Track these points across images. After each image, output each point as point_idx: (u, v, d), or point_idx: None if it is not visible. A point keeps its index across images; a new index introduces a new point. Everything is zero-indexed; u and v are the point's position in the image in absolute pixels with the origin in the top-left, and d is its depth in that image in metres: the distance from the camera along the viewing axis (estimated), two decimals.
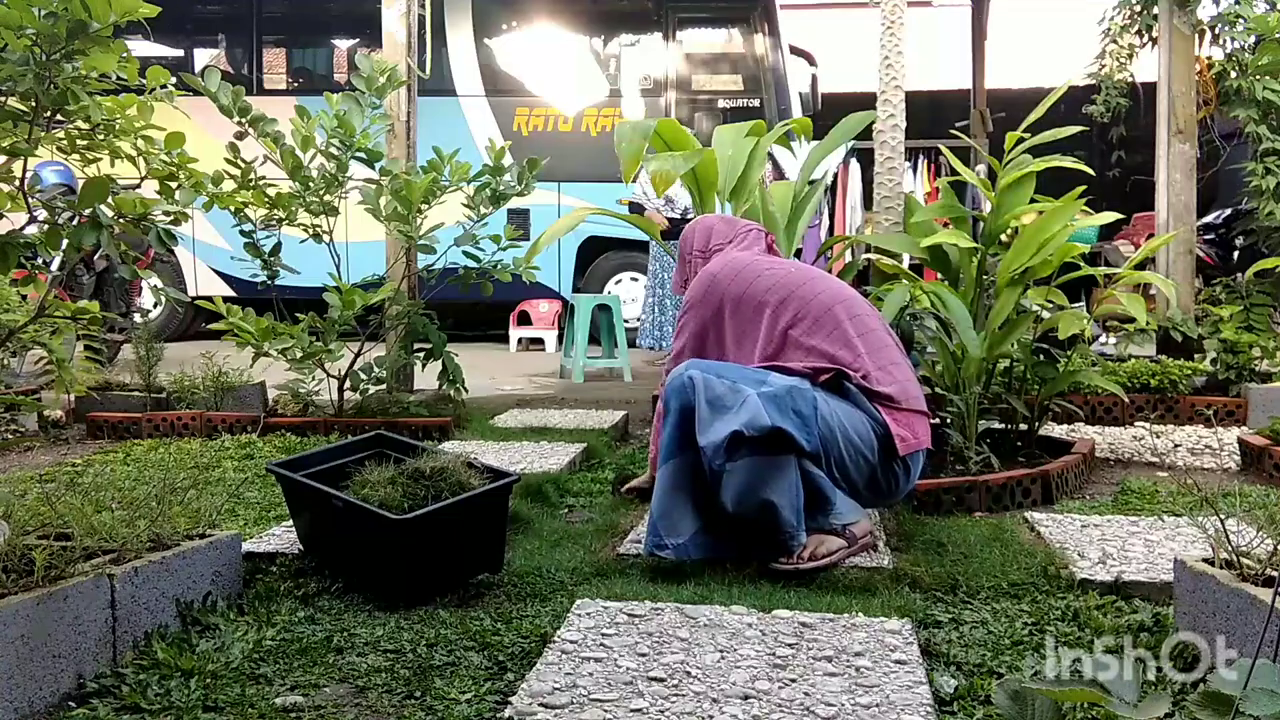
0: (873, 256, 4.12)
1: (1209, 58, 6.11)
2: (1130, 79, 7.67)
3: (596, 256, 8.89)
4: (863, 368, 2.35)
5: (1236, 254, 7.65)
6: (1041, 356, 3.41)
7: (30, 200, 2.24)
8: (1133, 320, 3.47)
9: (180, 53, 9.73)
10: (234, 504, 2.83)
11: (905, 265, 4.09)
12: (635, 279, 8.77)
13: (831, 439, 2.25)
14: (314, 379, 4.21)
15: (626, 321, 7.19)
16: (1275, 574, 1.57)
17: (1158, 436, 4.01)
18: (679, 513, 2.27)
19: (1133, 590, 2.05)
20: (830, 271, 4.01)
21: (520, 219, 8.19)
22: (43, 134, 2.18)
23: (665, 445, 2.30)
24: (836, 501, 2.28)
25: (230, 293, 8.37)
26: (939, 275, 3.59)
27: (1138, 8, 6.86)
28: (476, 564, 2.14)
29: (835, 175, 8.51)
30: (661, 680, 1.59)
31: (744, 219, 2.83)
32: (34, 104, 2.09)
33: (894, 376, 2.37)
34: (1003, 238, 3.44)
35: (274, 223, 4.04)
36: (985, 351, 3.18)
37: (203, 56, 9.89)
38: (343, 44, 9.97)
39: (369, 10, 5.82)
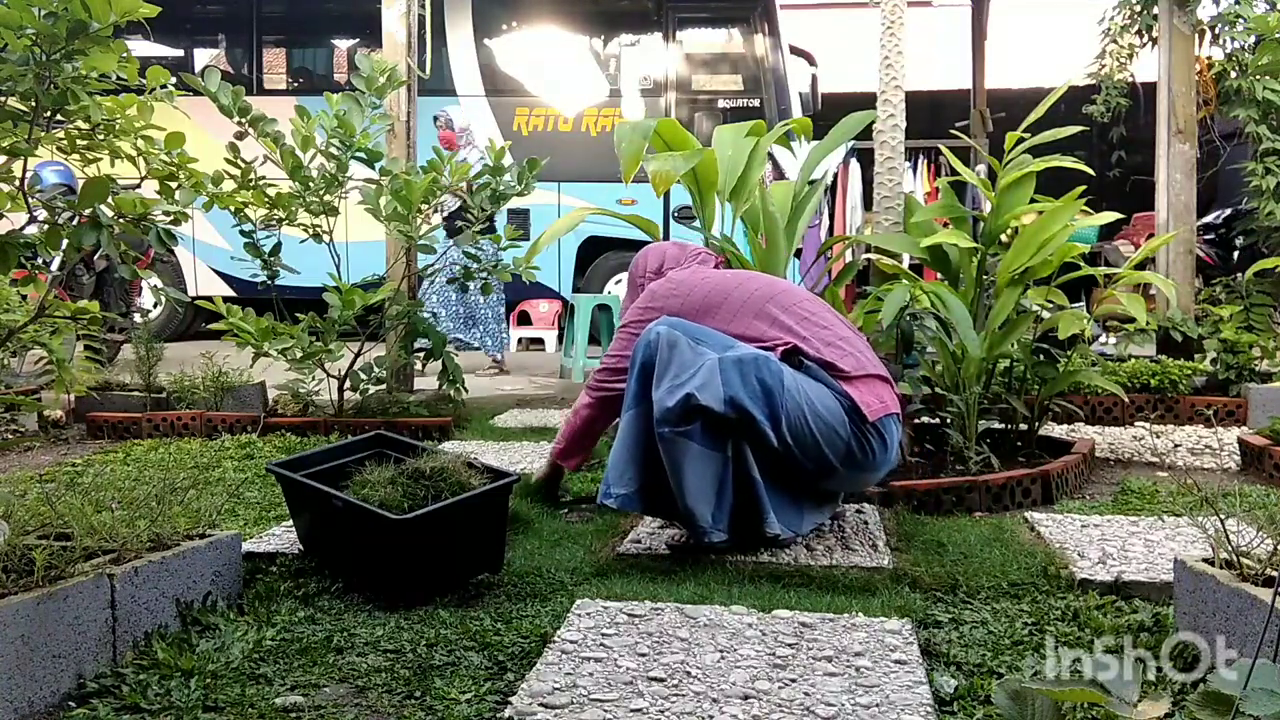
0: (873, 256, 4.12)
1: (1209, 58, 6.12)
2: (1130, 79, 7.67)
3: (596, 256, 8.90)
4: (813, 346, 2.39)
5: (1236, 254, 7.66)
6: (1041, 356, 3.41)
7: (30, 200, 2.24)
8: (1133, 320, 3.47)
9: (180, 53, 9.73)
10: (234, 504, 2.83)
11: (905, 265, 4.09)
12: None
13: (800, 416, 2.26)
14: (314, 379, 4.22)
15: None
16: (1275, 574, 1.57)
17: (1158, 436, 4.01)
18: (630, 464, 2.33)
19: (1133, 590, 2.05)
20: (830, 272, 4.01)
21: (520, 219, 8.20)
22: (43, 134, 2.18)
23: (627, 397, 2.36)
24: (770, 514, 2.30)
25: (230, 293, 8.37)
26: (939, 275, 3.59)
27: (1138, 8, 6.87)
28: (476, 564, 2.14)
29: (835, 175, 8.51)
30: (661, 680, 1.59)
31: (695, 245, 2.92)
32: (34, 104, 2.09)
33: (845, 350, 2.42)
34: (1003, 238, 3.45)
35: (274, 223, 4.04)
36: (985, 351, 3.18)
37: (203, 56, 9.90)
38: (343, 44, 9.97)
39: (369, 10, 5.82)
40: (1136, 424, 4.33)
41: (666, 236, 7.18)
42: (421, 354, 4.49)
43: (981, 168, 8.46)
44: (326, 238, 4.11)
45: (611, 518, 2.73)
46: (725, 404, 2.18)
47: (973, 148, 8.30)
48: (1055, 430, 4.02)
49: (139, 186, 2.43)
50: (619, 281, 8.86)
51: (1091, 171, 3.29)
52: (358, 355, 4.17)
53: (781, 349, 2.37)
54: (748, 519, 2.30)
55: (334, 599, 2.05)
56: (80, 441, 4.11)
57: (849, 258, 4.26)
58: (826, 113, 6.72)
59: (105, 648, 1.66)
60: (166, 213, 2.42)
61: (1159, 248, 4.84)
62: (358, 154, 4.00)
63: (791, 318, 2.45)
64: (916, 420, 3.46)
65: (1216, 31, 6.06)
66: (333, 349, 3.92)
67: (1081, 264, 3.51)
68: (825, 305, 2.60)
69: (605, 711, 1.48)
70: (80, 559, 1.70)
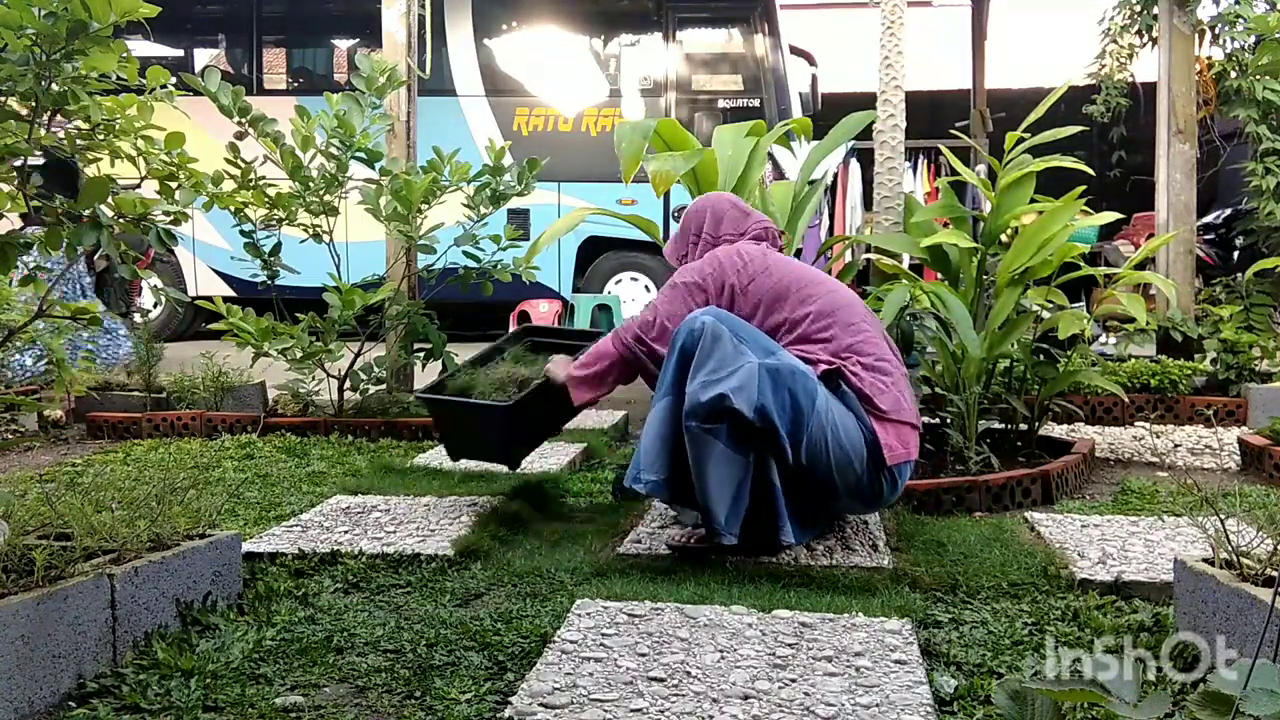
0: (873, 256, 4.12)
1: (1209, 58, 6.12)
2: (1130, 79, 7.67)
3: (596, 256, 8.89)
4: (856, 375, 2.33)
5: (1236, 254, 7.66)
6: (1041, 356, 3.41)
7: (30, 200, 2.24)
8: (1133, 320, 3.47)
9: (180, 53, 9.72)
10: (234, 504, 2.83)
11: (905, 265, 4.08)
12: (635, 279, 8.77)
13: (822, 439, 2.23)
14: (314, 379, 4.21)
15: None
16: (1275, 574, 1.57)
17: (1158, 436, 4.01)
18: (662, 453, 2.30)
19: (1133, 590, 2.05)
20: (830, 272, 4.01)
21: (520, 219, 8.18)
22: (43, 134, 2.18)
23: (664, 382, 2.31)
24: (786, 523, 2.28)
25: (230, 293, 8.36)
26: (939, 275, 3.59)
27: (1138, 8, 6.87)
28: (545, 433, 2.91)
29: (835, 175, 8.51)
30: (661, 680, 1.59)
31: (757, 213, 2.74)
32: (34, 104, 2.09)
33: (886, 388, 2.34)
34: (1003, 238, 3.44)
35: (274, 223, 4.04)
36: (985, 351, 3.18)
37: (203, 56, 9.89)
38: (343, 44, 9.97)
39: (369, 10, 5.81)
40: (1136, 424, 4.33)
41: (666, 236, 7.18)
42: (421, 354, 4.49)
43: (981, 168, 8.46)
44: (326, 238, 4.11)
45: (611, 517, 2.74)
46: (755, 412, 2.16)
47: (973, 148, 8.30)
48: (1055, 430, 4.02)
49: (139, 186, 2.43)
50: (619, 281, 8.85)
51: (1091, 171, 3.29)
52: (358, 355, 4.17)
53: (824, 368, 2.31)
54: (758, 525, 2.29)
55: (334, 598, 2.06)
56: (80, 441, 4.11)
57: (849, 258, 4.25)
58: (826, 113, 6.72)
59: (105, 648, 1.66)
60: (166, 213, 2.42)
61: (1159, 248, 4.84)
62: (358, 154, 4.00)
63: (849, 336, 2.37)
64: None
65: (1216, 31, 6.06)
66: (333, 349, 3.92)
67: (1081, 264, 3.51)
68: (878, 324, 2.51)
69: (605, 711, 1.48)
70: (80, 559, 1.70)
